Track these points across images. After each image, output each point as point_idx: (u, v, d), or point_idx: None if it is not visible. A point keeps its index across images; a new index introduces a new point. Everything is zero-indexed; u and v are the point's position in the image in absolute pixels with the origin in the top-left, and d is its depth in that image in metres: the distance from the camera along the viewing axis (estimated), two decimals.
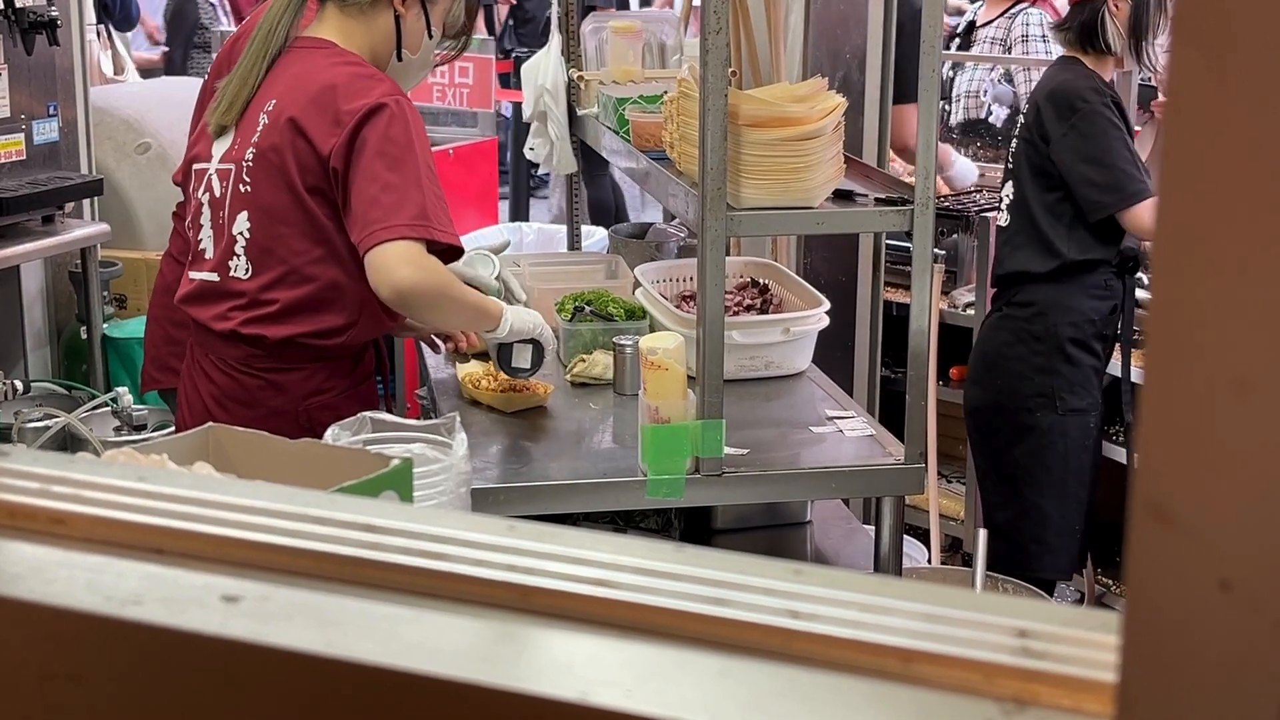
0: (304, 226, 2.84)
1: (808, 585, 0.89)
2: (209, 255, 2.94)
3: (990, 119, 6.29)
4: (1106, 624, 0.84)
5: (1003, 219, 4.18)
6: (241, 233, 2.88)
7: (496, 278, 3.43)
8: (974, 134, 6.22)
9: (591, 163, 5.08)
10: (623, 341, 3.31)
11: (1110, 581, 4.68)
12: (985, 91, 6.32)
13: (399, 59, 3.00)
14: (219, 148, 2.95)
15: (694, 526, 3.33)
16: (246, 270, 2.88)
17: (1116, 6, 4.00)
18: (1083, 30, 4.06)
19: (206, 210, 2.95)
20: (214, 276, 2.93)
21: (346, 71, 2.85)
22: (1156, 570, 0.67)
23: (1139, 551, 0.68)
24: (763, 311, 3.62)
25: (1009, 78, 6.26)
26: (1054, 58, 6.03)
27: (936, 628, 0.84)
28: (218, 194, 2.92)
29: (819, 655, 0.84)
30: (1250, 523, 0.65)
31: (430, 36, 3.04)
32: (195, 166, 3.01)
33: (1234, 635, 0.66)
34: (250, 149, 2.87)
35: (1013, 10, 6.24)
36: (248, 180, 2.87)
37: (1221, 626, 0.66)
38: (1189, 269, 0.66)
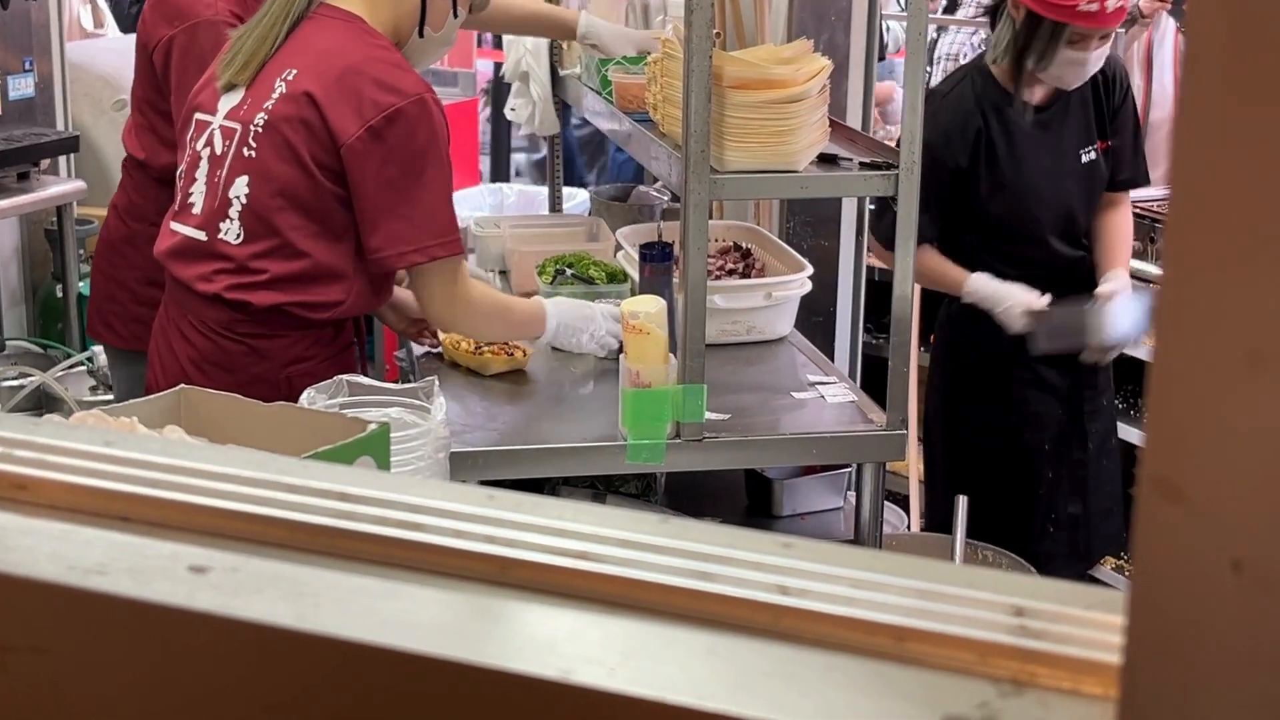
0: (305, 201, 2.78)
1: (798, 560, 0.86)
2: (196, 210, 2.87)
3: None
4: (1106, 602, 0.81)
5: None
6: (238, 196, 2.82)
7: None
8: None
9: None
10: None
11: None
12: (965, 55, 6.30)
13: (420, 35, 2.96)
14: (226, 102, 2.88)
15: (674, 490, 3.31)
16: (238, 235, 2.82)
17: (1015, 9, 3.57)
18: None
19: (204, 165, 2.88)
20: (200, 234, 2.86)
21: (374, 56, 2.80)
22: (1166, 550, 0.65)
23: (1147, 531, 0.65)
24: (745, 276, 3.60)
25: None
26: None
27: (931, 605, 0.81)
28: (218, 151, 2.85)
29: (809, 633, 0.81)
30: (1264, 501, 0.63)
31: (455, 15, 3.00)
32: (197, 116, 2.94)
33: (1246, 617, 0.63)
34: (261, 114, 2.80)
35: None
36: (254, 145, 2.80)
37: (1233, 608, 0.64)
38: (1204, 237, 0.63)
